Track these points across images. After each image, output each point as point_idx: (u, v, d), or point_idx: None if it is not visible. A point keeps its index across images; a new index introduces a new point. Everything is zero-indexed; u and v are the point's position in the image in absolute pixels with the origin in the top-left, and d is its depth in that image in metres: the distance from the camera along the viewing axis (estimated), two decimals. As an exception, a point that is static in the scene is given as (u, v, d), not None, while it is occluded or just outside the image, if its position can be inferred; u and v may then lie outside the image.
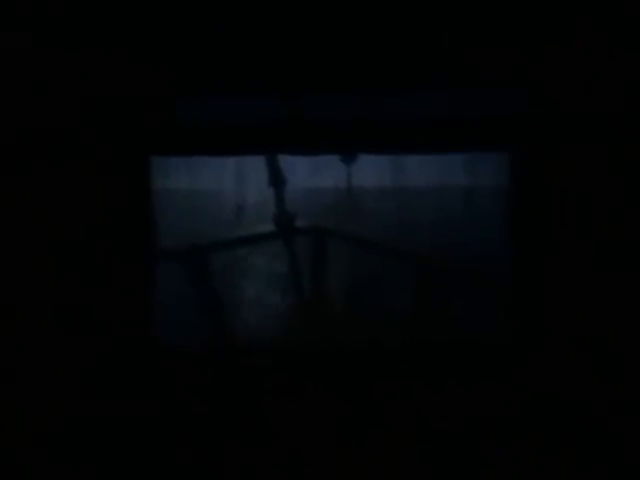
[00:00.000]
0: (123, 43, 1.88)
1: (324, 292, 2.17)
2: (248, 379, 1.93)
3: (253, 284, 2.18)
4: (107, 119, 1.88)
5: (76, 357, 1.89)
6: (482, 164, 2.12)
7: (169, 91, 1.90)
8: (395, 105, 1.94)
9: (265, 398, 1.92)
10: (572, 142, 1.87)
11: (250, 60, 1.90)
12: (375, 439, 1.91)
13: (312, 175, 2.19)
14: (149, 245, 1.95)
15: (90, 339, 1.89)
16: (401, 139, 1.96)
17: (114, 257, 1.89)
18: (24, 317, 1.88)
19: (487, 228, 2.08)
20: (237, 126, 1.94)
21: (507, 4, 1.87)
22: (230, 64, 1.90)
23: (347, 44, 1.89)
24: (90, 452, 1.90)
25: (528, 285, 1.94)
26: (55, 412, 1.89)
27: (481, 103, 1.93)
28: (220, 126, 1.95)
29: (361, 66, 1.90)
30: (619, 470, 1.88)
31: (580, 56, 1.87)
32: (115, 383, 1.90)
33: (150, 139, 1.92)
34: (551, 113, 1.88)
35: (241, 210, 2.20)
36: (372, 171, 2.18)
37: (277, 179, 2.18)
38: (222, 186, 2.19)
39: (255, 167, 2.17)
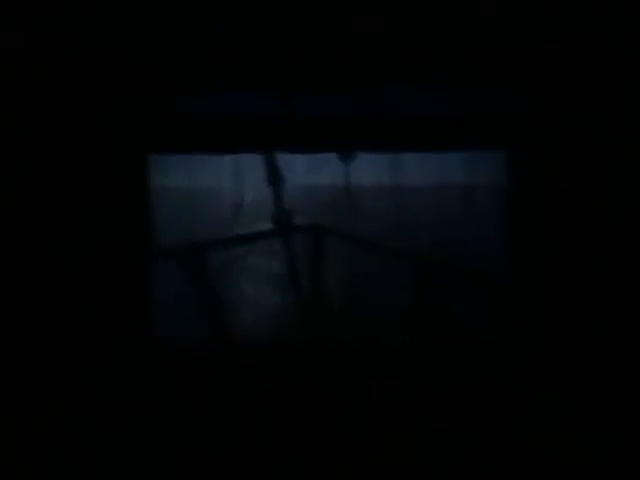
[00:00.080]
0: (123, 43, 1.87)
1: (323, 290, 2.17)
2: (247, 377, 1.94)
3: (251, 282, 2.18)
4: (107, 119, 1.87)
5: (76, 357, 1.89)
6: (480, 163, 2.12)
7: (169, 91, 1.89)
8: (394, 103, 1.94)
9: (264, 396, 1.92)
10: (571, 142, 1.88)
11: (248, 58, 1.90)
12: (374, 438, 1.92)
13: (310, 173, 2.18)
14: (148, 244, 1.95)
15: (89, 338, 1.89)
16: (400, 137, 1.96)
17: (113, 256, 1.89)
18: (24, 317, 1.88)
19: (486, 227, 2.08)
20: (235, 124, 1.94)
21: (507, 4, 1.88)
22: (229, 62, 1.90)
23: (347, 43, 1.89)
24: (90, 452, 1.90)
25: (527, 284, 1.95)
26: (55, 412, 1.89)
27: (480, 102, 1.94)
28: (218, 124, 1.94)
29: (360, 65, 1.90)
30: (619, 470, 1.89)
31: (580, 56, 1.88)
32: (114, 382, 1.90)
33: (149, 138, 1.92)
34: (551, 113, 1.88)
35: (239, 208, 2.19)
36: (370, 169, 2.17)
37: (275, 177, 2.17)
38: (220, 184, 2.18)
39: (253, 165, 2.17)
